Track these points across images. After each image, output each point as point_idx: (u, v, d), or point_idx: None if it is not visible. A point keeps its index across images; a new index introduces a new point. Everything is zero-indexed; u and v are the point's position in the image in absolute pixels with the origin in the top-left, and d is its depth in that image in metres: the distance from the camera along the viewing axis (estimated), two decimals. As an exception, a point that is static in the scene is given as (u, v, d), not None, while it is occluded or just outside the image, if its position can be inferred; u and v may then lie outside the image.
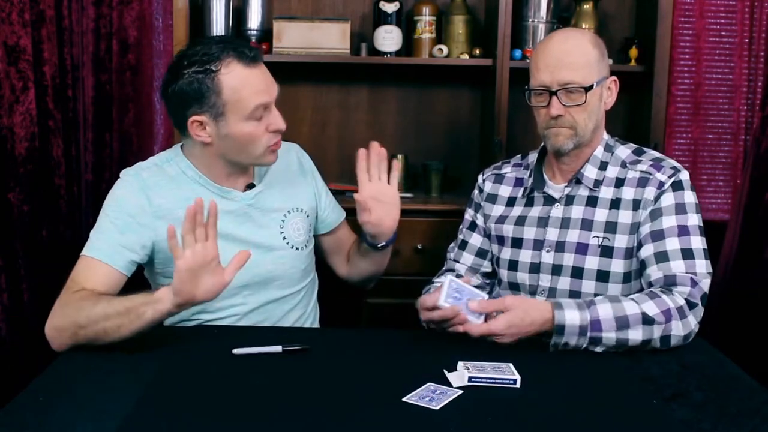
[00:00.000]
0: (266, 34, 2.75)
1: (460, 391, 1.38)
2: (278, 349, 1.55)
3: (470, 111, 2.97)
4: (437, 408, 1.32)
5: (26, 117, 2.42)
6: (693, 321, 1.60)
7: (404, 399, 1.35)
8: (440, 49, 2.73)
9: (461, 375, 1.42)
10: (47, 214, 2.50)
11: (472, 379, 1.41)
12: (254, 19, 2.76)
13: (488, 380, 1.41)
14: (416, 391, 1.37)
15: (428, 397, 1.36)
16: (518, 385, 1.41)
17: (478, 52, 2.74)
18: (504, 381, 1.41)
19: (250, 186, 1.83)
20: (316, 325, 1.96)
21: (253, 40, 2.73)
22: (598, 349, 1.57)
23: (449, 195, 2.77)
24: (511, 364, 1.46)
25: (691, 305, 1.60)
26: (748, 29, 2.77)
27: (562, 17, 2.81)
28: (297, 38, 2.66)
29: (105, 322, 1.52)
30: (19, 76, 2.40)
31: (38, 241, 2.48)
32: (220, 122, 1.69)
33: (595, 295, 1.76)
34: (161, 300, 1.52)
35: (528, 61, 2.66)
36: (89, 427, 1.23)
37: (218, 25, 2.70)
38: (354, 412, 1.31)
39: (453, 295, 1.58)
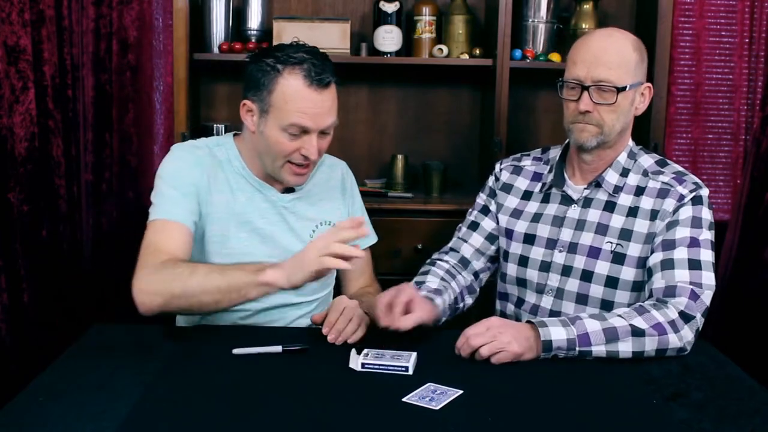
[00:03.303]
0: (266, 34, 2.75)
1: (460, 391, 1.38)
2: (278, 349, 1.55)
3: (470, 111, 2.97)
4: (437, 408, 1.32)
5: (26, 117, 2.42)
6: (688, 334, 1.59)
7: (404, 399, 1.35)
8: (440, 49, 2.73)
9: (356, 359, 1.49)
10: (47, 214, 2.50)
11: (366, 365, 1.47)
12: (254, 19, 2.76)
13: (381, 367, 1.47)
14: (416, 392, 1.37)
15: (428, 397, 1.36)
16: (410, 372, 1.45)
17: (478, 52, 2.74)
18: (396, 368, 1.46)
19: (289, 190, 1.85)
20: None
21: (253, 40, 2.73)
22: (590, 358, 1.56)
23: (449, 195, 2.77)
24: (414, 354, 1.50)
25: (687, 318, 1.59)
26: (748, 29, 2.77)
27: (562, 17, 2.81)
28: (296, 38, 2.65)
29: (202, 296, 1.55)
30: (19, 76, 2.40)
31: (38, 241, 2.48)
32: (262, 117, 1.72)
33: (603, 300, 1.77)
34: (270, 283, 1.53)
35: (528, 61, 2.68)
36: (89, 427, 1.23)
37: (218, 25, 2.70)
38: (354, 412, 1.31)
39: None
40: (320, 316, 1.67)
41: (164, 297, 1.57)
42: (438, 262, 1.94)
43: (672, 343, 1.57)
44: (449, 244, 2.00)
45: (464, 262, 1.95)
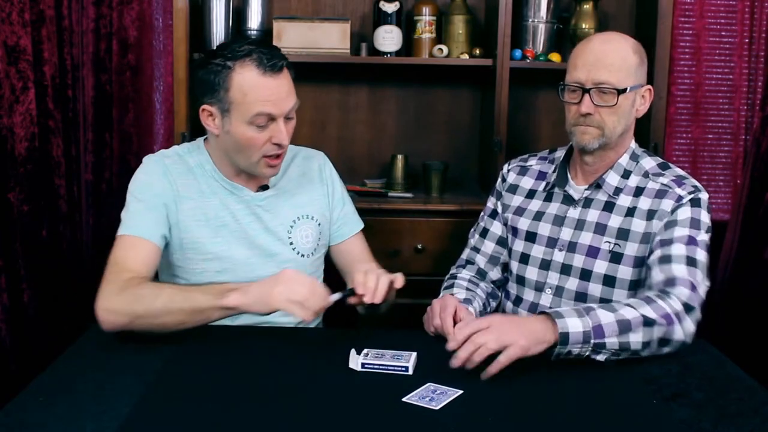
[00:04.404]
0: (266, 34, 2.75)
1: (460, 391, 1.38)
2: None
3: (470, 111, 2.97)
4: (437, 408, 1.32)
5: (26, 117, 2.42)
6: (690, 326, 1.59)
7: (404, 399, 1.35)
8: (440, 49, 2.73)
9: (356, 359, 1.48)
10: (47, 214, 2.50)
11: (365, 365, 1.47)
12: (254, 19, 2.76)
13: (381, 367, 1.47)
14: (416, 391, 1.37)
15: (428, 397, 1.36)
16: (410, 372, 1.45)
17: (478, 52, 2.74)
18: (396, 368, 1.46)
19: (264, 187, 1.85)
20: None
21: (253, 40, 2.73)
22: (600, 357, 1.53)
23: (449, 195, 2.77)
24: (414, 354, 1.50)
25: (689, 309, 1.59)
26: (748, 29, 2.78)
27: (562, 17, 2.82)
28: (297, 38, 2.66)
29: (166, 316, 1.57)
30: (19, 76, 2.40)
31: (38, 241, 2.48)
32: (225, 117, 1.72)
33: (601, 298, 1.77)
34: (233, 308, 1.56)
35: (528, 61, 2.69)
36: (89, 427, 1.23)
37: (218, 25, 2.70)
38: (354, 412, 1.31)
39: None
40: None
41: (128, 317, 1.58)
42: (458, 275, 1.96)
43: (676, 334, 1.56)
44: (464, 256, 2.02)
45: (482, 274, 1.98)
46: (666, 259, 1.67)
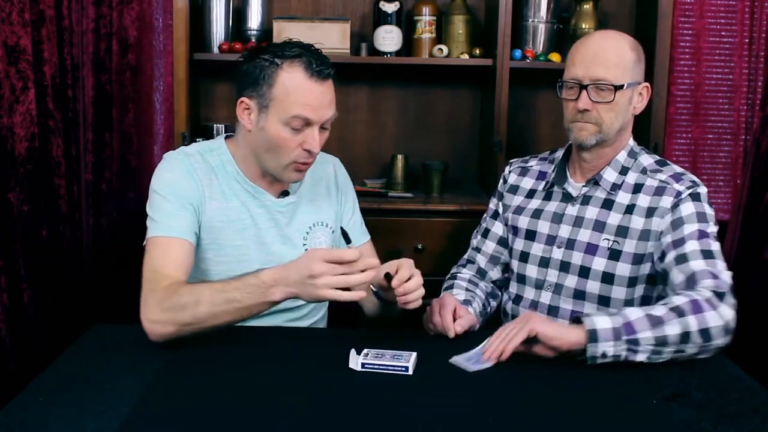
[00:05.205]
0: (266, 34, 2.75)
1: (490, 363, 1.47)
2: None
3: (470, 111, 2.97)
4: (470, 371, 1.45)
5: (26, 117, 2.42)
6: (727, 309, 1.56)
7: (451, 360, 1.48)
8: (440, 49, 2.73)
9: (356, 359, 1.48)
10: (47, 214, 2.50)
11: (366, 365, 1.47)
12: (254, 19, 2.76)
13: (381, 367, 1.47)
14: (466, 354, 1.50)
15: (473, 359, 1.45)
16: (410, 372, 1.46)
17: (478, 52, 2.74)
18: (396, 368, 1.46)
19: (285, 193, 1.84)
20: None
21: (253, 41, 2.73)
22: (640, 357, 1.49)
23: (449, 195, 2.77)
24: (414, 354, 1.50)
25: (720, 295, 1.58)
26: (748, 29, 2.78)
27: (562, 17, 2.82)
28: (297, 38, 2.65)
29: (213, 319, 1.56)
30: (19, 76, 2.40)
31: (38, 241, 2.48)
32: (262, 113, 1.71)
33: (600, 296, 1.78)
34: (281, 301, 1.56)
35: (528, 61, 2.69)
36: (89, 427, 1.23)
37: (218, 25, 2.70)
38: (354, 412, 1.31)
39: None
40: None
41: (176, 326, 1.56)
42: (458, 275, 1.97)
43: (712, 321, 1.53)
44: (465, 256, 2.03)
45: (482, 273, 1.99)
46: (682, 259, 1.67)
